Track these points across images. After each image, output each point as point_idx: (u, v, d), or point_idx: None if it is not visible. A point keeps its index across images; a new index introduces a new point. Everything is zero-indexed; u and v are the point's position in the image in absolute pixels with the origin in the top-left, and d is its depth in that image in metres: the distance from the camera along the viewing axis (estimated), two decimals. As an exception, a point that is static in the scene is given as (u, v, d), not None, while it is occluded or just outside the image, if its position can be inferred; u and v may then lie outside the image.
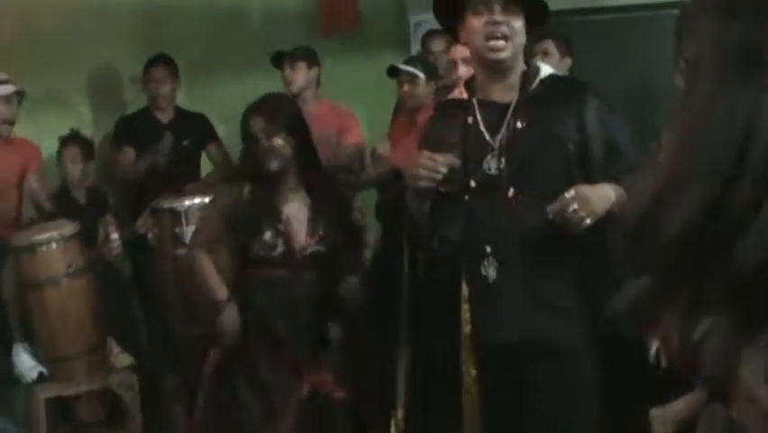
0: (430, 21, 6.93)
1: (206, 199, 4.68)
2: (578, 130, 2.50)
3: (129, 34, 5.54)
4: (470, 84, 2.72)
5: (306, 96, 5.03)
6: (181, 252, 4.60)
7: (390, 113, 5.57)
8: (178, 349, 4.76)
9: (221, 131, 5.50)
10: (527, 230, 2.49)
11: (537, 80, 2.59)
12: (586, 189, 2.40)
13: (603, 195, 2.41)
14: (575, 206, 2.36)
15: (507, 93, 2.59)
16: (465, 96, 2.71)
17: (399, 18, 7.53)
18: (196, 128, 5.32)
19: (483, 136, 2.57)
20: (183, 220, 4.61)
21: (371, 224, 5.20)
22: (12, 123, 4.62)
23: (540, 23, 2.64)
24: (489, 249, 2.55)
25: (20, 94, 4.58)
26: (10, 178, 4.62)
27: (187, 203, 4.65)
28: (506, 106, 2.56)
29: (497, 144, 2.55)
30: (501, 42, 2.50)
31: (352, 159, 5.04)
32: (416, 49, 7.24)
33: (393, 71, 4.91)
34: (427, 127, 2.92)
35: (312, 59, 5.07)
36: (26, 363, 4.25)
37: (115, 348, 4.41)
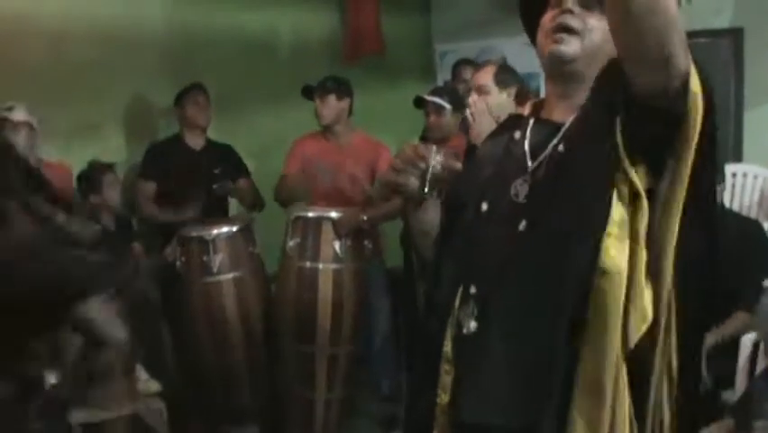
0: (456, 50, 7.14)
1: (234, 228, 4.75)
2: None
3: (159, 64, 5.59)
4: (537, 105, 2.17)
5: (337, 129, 5.05)
6: (209, 279, 4.67)
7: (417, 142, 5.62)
8: (206, 375, 4.80)
9: (251, 160, 5.54)
10: (526, 274, 1.88)
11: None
12: None
13: None
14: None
15: (567, 112, 1.98)
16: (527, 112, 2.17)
17: (425, 47, 7.63)
18: (226, 159, 5.35)
19: (523, 156, 2.02)
20: (211, 248, 4.65)
21: (396, 252, 5.26)
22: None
23: None
24: (473, 290, 1.98)
25: (30, 125, 4.57)
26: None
27: (215, 231, 4.69)
28: (558, 128, 1.98)
29: (531, 169, 1.98)
30: (566, 35, 1.93)
31: (383, 190, 5.06)
32: (442, 77, 7.34)
33: (419, 102, 4.93)
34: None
35: (342, 90, 5.01)
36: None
37: (143, 375, 4.44)
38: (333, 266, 4.65)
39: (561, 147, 1.94)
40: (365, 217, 4.70)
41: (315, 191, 5.15)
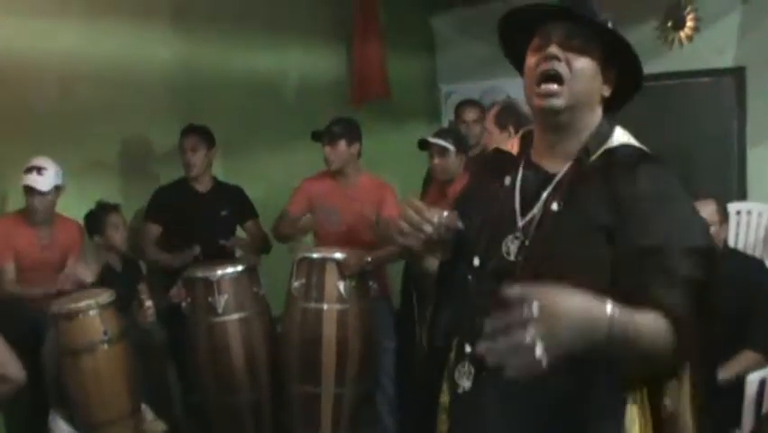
0: (461, 90, 7.18)
1: (239, 269, 4.77)
2: (614, 211, 1.83)
3: (167, 106, 5.65)
4: (526, 137, 2.12)
5: (346, 171, 5.05)
6: (214, 320, 4.69)
7: (422, 182, 5.66)
8: (212, 416, 4.80)
9: (258, 202, 5.56)
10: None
11: (602, 150, 1.93)
12: (562, 303, 1.54)
13: (584, 319, 1.57)
14: (532, 332, 1.48)
15: (558, 161, 1.96)
16: (515, 150, 2.11)
17: (430, 87, 7.68)
18: (233, 200, 5.37)
19: (513, 210, 1.96)
20: (216, 289, 4.67)
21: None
22: (49, 212, 4.68)
23: (632, 88, 2.00)
24: (467, 349, 1.93)
25: (58, 189, 4.66)
26: (52, 257, 4.71)
27: (219, 272, 4.72)
28: (549, 179, 1.93)
29: (521, 225, 1.93)
30: (553, 86, 1.88)
31: (388, 232, 5.05)
32: (447, 117, 7.39)
33: (423, 144, 4.93)
34: (469, 181, 2.35)
35: (352, 135, 5.00)
36: (62, 429, 4.28)
37: (149, 415, 4.44)
38: (338, 307, 4.65)
39: (555, 206, 1.89)
40: (369, 259, 4.71)
41: (321, 232, 5.17)
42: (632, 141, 1.99)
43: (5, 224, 4.68)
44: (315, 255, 4.76)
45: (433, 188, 5.16)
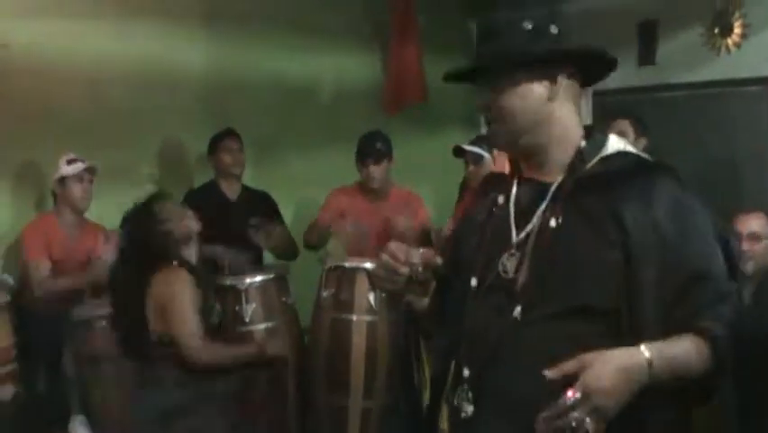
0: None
1: (267, 277, 4.67)
2: (635, 230, 1.76)
3: (196, 109, 5.59)
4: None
5: (380, 186, 5.04)
6: (242, 329, 4.59)
7: (458, 190, 5.53)
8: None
9: (288, 208, 5.46)
10: (523, 359, 1.78)
11: (597, 158, 1.90)
12: (602, 375, 1.59)
13: (627, 378, 1.61)
14: (578, 414, 1.57)
15: (551, 172, 1.92)
16: (508, 170, 2.09)
17: (468, 93, 7.53)
18: (262, 207, 5.26)
19: (508, 226, 1.94)
20: (243, 298, 4.57)
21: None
22: (88, 198, 4.67)
23: (597, 73, 2.01)
24: (466, 373, 1.90)
25: (90, 170, 4.63)
26: (79, 258, 4.66)
27: (248, 281, 4.62)
28: (545, 190, 1.91)
29: (517, 241, 1.90)
30: (494, 127, 1.95)
31: (421, 239, 4.97)
32: (484, 123, 7.23)
33: (458, 151, 4.85)
34: (470, 204, 2.30)
35: (391, 151, 5.02)
36: (82, 435, 4.25)
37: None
38: (368, 318, 4.54)
39: (552, 221, 1.84)
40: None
41: (350, 247, 5.09)
42: (628, 148, 1.97)
43: (40, 224, 4.67)
44: (345, 265, 4.66)
45: (468, 195, 5.04)
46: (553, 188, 1.89)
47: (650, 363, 1.63)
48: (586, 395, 1.57)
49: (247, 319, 4.56)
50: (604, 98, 6.02)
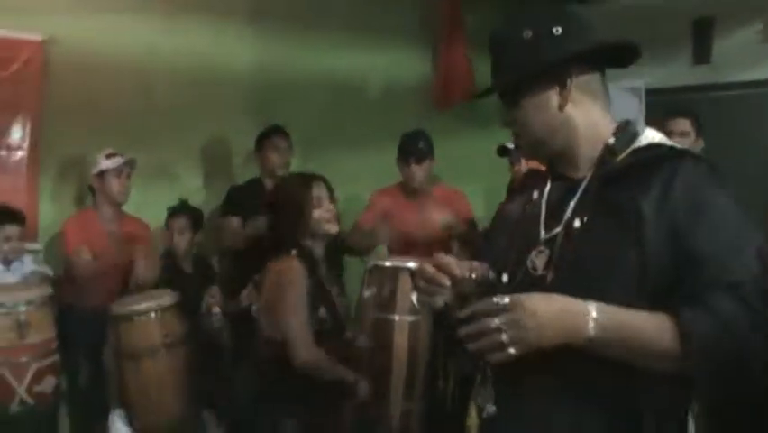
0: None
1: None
2: (652, 222, 1.70)
3: (244, 106, 5.59)
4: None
5: (422, 186, 5.00)
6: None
7: (506, 189, 5.44)
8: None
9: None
10: (547, 361, 1.69)
11: (629, 149, 1.83)
12: (538, 302, 1.66)
13: (566, 315, 1.64)
14: (498, 322, 1.64)
15: (581, 168, 1.88)
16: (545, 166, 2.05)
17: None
18: None
19: (537, 222, 1.91)
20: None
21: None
22: (126, 192, 4.67)
23: (624, 58, 1.92)
24: (489, 372, 1.87)
25: (129, 164, 4.64)
26: (123, 254, 4.66)
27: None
28: (576, 186, 1.86)
29: (545, 238, 1.86)
30: (518, 141, 1.96)
31: (464, 231, 4.94)
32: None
33: (503, 150, 4.76)
34: (507, 201, 2.25)
35: (432, 150, 4.97)
36: (121, 431, 4.23)
37: (211, 421, 4.36)
38: (410, 318, 4.46)
39: (577, 220, 1.80)
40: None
41: (390, 247, 5.07)
42: (663, 140, 1.87)
43: (81, 219, 4.70)
44: (387, 264, 4.58)
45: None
46: (582, 186, 1.84)
47: (594, 319, 1.62)
48: (513, 305, 1.63)
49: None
50: (658, 97, 5.90)
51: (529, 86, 1.85)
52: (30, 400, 3.92)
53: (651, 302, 1.64)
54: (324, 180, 3.60)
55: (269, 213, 3.66)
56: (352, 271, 4.99)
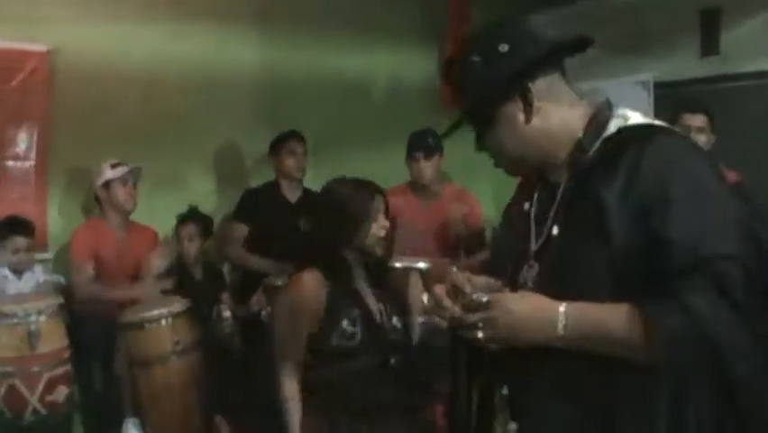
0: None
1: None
2: (616, 214, 1.63)
3: (251, 110, 5.59)
4: None
5: (432, 185, 4.98)
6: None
7: (516, 188, 5.41)
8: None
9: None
10: (550, 377, 1.73)
11: (598, 143, 1.77)
12: (513, 301, 1.72)
13: (537, 314, 1.67)
14: (475, 318, 1.72)
15: (559, 170, 1.84)
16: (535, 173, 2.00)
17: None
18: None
19: (528, 234, 1.87)
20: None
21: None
22: (132, 200, 4.67)
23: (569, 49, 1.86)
24: (504, 391, 1.86)
25: (134, 173, 4.64)
26: (129, 260, 4.70)
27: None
28: (556, 192, 1.83)
29: (534, 250, 1.83)
30: (497, 163, 1.93)
31: (471, 241, 4.91)
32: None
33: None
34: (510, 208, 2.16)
35: (441, 147, 4.94)
36: (133, 438, 4.25)
37: (224, 427, 4.34)
38: (422, 319, 4.44)
39: (555, 228, 1.79)
40: (455, 268, 4.48)
41: (402, 248, 5.00)
42: (630, 119, 1.79)
43: (89, 228, 4.70)
44: (397, 265, 4.56)
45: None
46: (560, 191, 1.81)
47: (563, 316, 1.65)
48: (491, 303, 1.72)
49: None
50: (667, 90, 5.84)
51: (490, 109, 1.82)
52: (42, 410, 3.91)
53: (632, 295, 1.60)
54: (383, 194, 3.29)
55: (311, 216, 3.52)
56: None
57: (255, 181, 5.40)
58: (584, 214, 1.69)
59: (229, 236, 5.14)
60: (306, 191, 5.26)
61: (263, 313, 4.65)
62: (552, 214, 1.81)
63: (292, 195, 5.21)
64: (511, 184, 5.20)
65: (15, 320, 3.91)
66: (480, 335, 1.72)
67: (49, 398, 3.92)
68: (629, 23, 5.82)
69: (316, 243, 3.19)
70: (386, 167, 5.61)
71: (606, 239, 1.62)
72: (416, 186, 4.99)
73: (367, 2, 6.00)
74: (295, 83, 5.74)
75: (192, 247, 4.76)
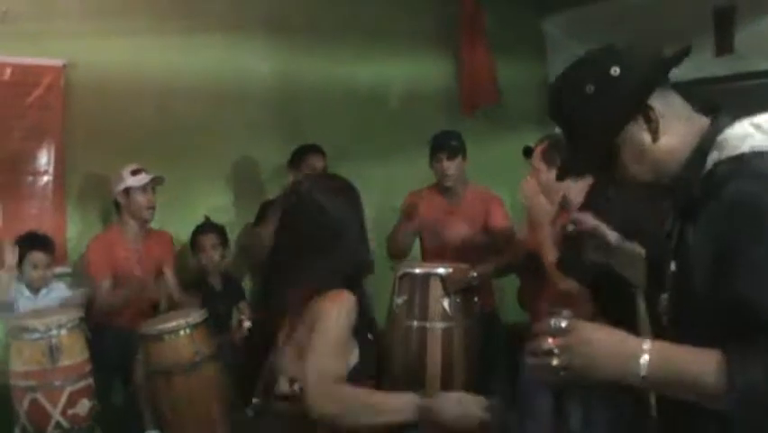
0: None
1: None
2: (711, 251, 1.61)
3: (266, 119, 5.60)
4: None
5: (455, 186, 4.97)
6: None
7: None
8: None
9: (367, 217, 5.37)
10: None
11: (702, 176, 1.70)
12: (594, 332, 1.63)
13: (620, 349, 1.59)
14: (551, 344, 1.63)
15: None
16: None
17: (542, 92, 7.39)
18: None
19: (665, 260, 1.81)
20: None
21: (513, 308, 5.00)
22: (152, 208, 4.68)
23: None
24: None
25: (155, 180, 4.65)
26: (147, 266, 4.71)
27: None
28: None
29: (667, 281, 1.77)
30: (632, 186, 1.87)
31: (498, 242, 4.86)
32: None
33: (528, 151, 4.67)
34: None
35: (464, 149, 4.96)
36: (155, 449, 4.24)
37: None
38: (443, 325, 4.43)
39: (672, 265, 1.73)
40: (475, 273, 4.48)
41: (426, 250, 5.06)
42: (727, 150, 1.68)
43: (105, 239, 4.73)
44: (417, 270, 4.55)
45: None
46: (674, 227, 1.78)
47: (647, 351, 1.57)
48: (569, 330, 1.63)
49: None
50: (682, 90, 5.80)
51: (616, 137, 1.76)
52: (65, 424, 3.92)
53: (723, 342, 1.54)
54: None
55: None
56: (382, 279, 4.96)
57: (270, 192, 5.40)
58: (686, 255, 1.67)
59: (256, 242, 5.08)
60: None
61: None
62: (672, 247, 1.77)
63: None
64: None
65: (37, 335, 3.92)
66: (555, 362, 1.62)
67: (71, 411, 3.92)
68: (643, 23, 5.79)
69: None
70: (404, 174, 5.64)
71: (699, 281, 1.61)
72: (440, 188, 4.99)
73: (381, 10, 6.01)
74: (310, 93, 5.75)
75: (215, 256, 4.80)
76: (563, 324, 1.64)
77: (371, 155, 5.94)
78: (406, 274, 4.57)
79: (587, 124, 1.77)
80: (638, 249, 2.00)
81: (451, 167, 4.88)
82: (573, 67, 1.83)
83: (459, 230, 4.95)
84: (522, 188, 3.93)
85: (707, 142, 1.71)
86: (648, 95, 1.74)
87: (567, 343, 1.62)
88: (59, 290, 4.53)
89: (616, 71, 1.73)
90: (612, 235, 2.03)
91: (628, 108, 1.74)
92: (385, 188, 5.81)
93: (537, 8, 7.12)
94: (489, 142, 6.27)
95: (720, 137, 1.70)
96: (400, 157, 5.88)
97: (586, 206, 3.52)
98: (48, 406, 3.88)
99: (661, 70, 1.78)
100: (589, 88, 1.74)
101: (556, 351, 1.63)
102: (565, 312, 1.66)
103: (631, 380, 1.58)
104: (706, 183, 1.67)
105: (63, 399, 3.91)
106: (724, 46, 5.78)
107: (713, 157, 1.69)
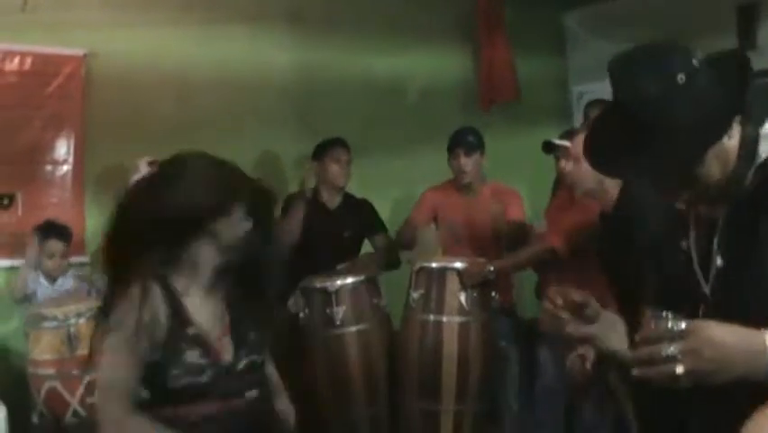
0: (593, 90, 6.82)
1: (358, 280, 4.59)
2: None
3: (285, 111, 5.59)
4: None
5: (473, 182, 4.96)
6: (332, 332, 4.52)
7: (551, 188, 5.37)
8: (327, 430, 4.63)
9: (384, 210, 5.38)
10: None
11: (752, 170, 1.63)
12: (716, 329, 1.47)
13: (745, 345, 1.45)
14: (673, 349, 1.45)
15: (715, 202, 1.70)
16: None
17: (561, 88, 7.36)
18: (360, 217, 5.13)
19: (696, 277, 1.71)
20: (334, 300, 4.52)
21: (531, 303, 4.99)
22: None
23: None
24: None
25: None
26: None
27: (338, 283, 4.56)
28: (713, 227, 1.69)
29: (708, 292, 1.68)
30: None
31: (513, 234, 4.84)
32: (579, 119, 7.04)
33: (548, 147, 4.64)
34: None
35: (483, 145, 4.96)
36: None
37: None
38: (459, 319, 4.44)
39: (719, 261, 1.65)
40: (492, 268, 4.47)
41: (444, 245, 5.06)
42: None
43: None
44: (434, 265, 4.56)
45: (561, 192, 4.86)
46: (720, 226, 1.69)
47: None
48: (691, 331, 1.45)
49: (337, 322, 4.52)
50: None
51: (714, 129, 1.62)
52: (83, 412, 3.92)
53: None
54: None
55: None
56: (399, 273, 4.96)
57: (290, 184, 5.40)
58: (745, 244, 1.60)
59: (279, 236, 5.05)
60: (347, 196, 5.17)
61: (301, 315, 4.65)
62: (714, 247, 1.67)
63: (332, 201, 5.11)
64: (547, 184, 5.19)
65: (55, 323, 3.94)
66: (679, 370, 1.44)
67: (89, 400, 3.93)
68: (665, 21, 5.76)
69: None
70: (422, 168, 5.63)
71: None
72: (458, 183, 4.98)
73: (400, 3, 6.00)
74: (329, 85, 5.74)
75: None
76: (682, 324, 1.47)
77: (390, 148, 5.93)
78: (422, 268, 4.57)
79: (683, 117, 1.61)
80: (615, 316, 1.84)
81: (468, 163, 4.87)
82: (639, 56, 1.67)
83: (476, 225, 4.94)
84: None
85: (751, 135, 1.65)
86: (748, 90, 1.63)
87: (690, 346, 1.44)
88: (74, 281, 4.53)
89: (696, 62, 1.63)
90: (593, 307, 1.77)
91: (735, 106, 1.63)
92: (402, 181, 5.82)
93: (558, 3, 7.08)
94: (508, 137, 6.25)
95: (764, 130, 1.65)
96: (418, 150, 5.87)
97: (617, 209, 3.48)
98: (66, 394, 3.91)
99: (744, 67, 1.67)
100: (681, 78, 1.60)
101: (680, 356, 1.45)
102: (669, 313, 1.49)
103: (759, 377, 1.45)
104: (763, 170, 1.62)
105: (81, 387, 3.92)
106: (747, 42, 5.74)
107: (764, 148, 1.64)
